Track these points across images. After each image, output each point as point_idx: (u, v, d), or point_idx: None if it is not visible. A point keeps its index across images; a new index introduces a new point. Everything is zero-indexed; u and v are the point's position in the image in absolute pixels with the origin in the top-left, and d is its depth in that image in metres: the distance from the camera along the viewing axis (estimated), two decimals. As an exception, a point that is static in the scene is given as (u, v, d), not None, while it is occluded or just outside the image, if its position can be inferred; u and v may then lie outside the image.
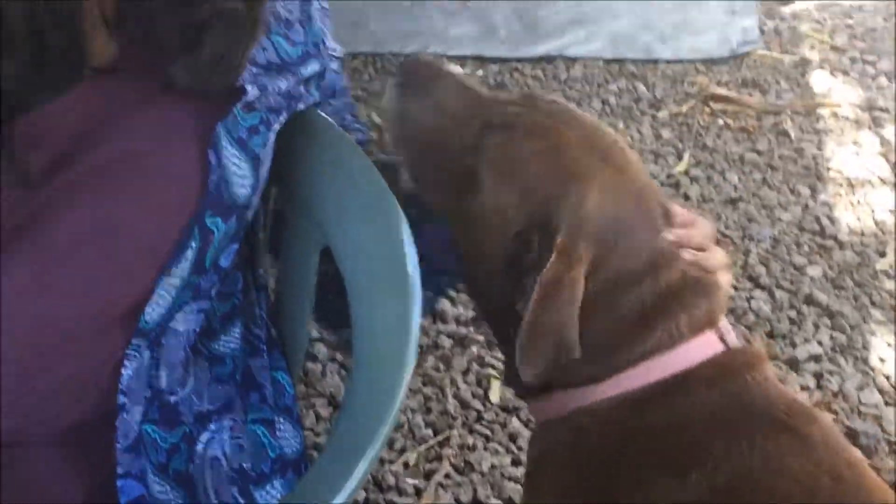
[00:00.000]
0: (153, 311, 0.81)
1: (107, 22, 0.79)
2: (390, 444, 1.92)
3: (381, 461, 1.88)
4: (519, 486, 1.80)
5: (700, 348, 0.99)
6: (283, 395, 0.99)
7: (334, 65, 1.03)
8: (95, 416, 0.85)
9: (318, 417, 1.95)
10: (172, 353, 0.86)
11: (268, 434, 0.95)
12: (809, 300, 2.23)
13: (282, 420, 0.97)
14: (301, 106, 0.93)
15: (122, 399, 0.82)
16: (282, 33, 0.92)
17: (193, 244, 0.81)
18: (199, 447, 0.90)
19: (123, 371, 0.82)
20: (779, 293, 2.24)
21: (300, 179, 1.01)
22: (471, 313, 2.22)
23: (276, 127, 0.88)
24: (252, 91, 0.84)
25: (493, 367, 2.11)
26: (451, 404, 2.01)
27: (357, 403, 0.89)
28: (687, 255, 0.97)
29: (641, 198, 1.01)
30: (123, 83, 0.81)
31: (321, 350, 2.14)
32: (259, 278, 1.02)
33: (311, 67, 0.95)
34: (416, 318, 0.90)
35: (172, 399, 0.88)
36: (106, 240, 0.78)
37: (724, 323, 1.03)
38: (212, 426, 0.91)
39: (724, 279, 1.01)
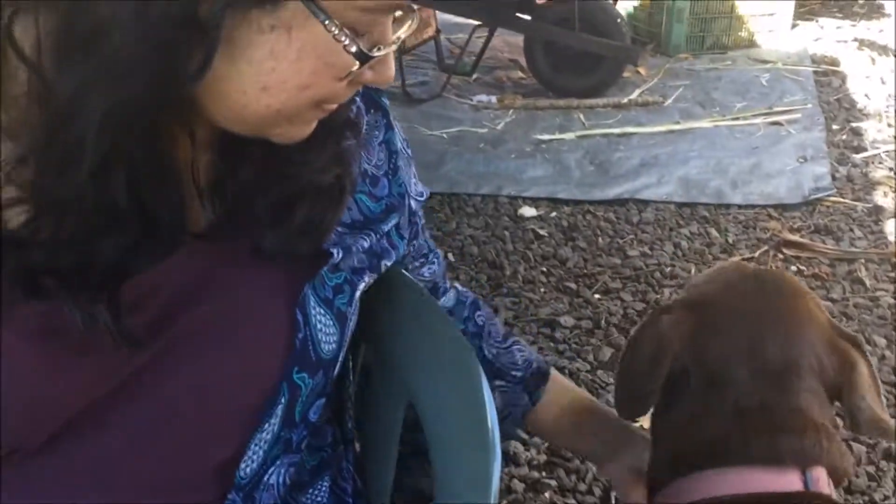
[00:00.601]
0: (247, 468, 0.85)
1: (200, 192, 0.84)
2: (461, 590, 1.91)
3: None
4: None
5: (762, 479, 1.02)
6: None
7: (414, 204, 1.07)
8: None
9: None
10: None
11: None
12: (888, 455, 2.19)
13: None
14: (386, 263, 0.96)
15: None
16: (366, 191, 0.97)
17: (282, 400, 0.85)
18: None
19: None
20: (856, 447, 2.20)
21: (384, 336, 1.06)
22: (543, 457, 2.22)
23: (362, 286, 0.92)
24: (337, 254, 0.88)
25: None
26: (524, 548, 2.00)
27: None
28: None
29: (780, 330, 1.08)
30: (216, 247, 0.85)
31: (394, 491, 2.16)
32: (347, 432, 1.05)
33: (392, 221, 0.99)
34: (497, 473, 0.92)
35: None
36: (202, 402, 0.82)
37: (820, 471, 1.04)
38: None
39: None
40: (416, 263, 1.12)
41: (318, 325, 0.86)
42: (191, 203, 0.83)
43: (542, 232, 3.29)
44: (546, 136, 4.17)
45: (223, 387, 0.83)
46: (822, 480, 1.04)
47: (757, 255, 3.09)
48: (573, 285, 2.95)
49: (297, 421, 0.88)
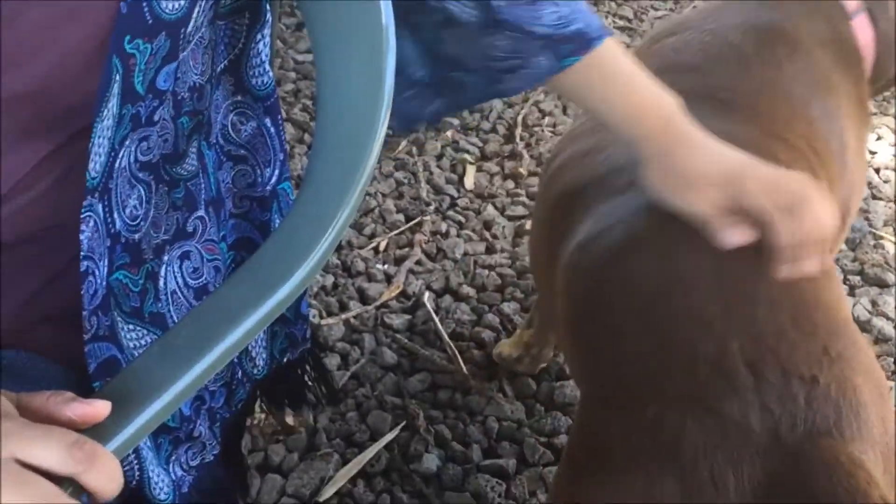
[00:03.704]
0: (96, 164, 0.71)
1: None
2: (360, 228, 1.85)
3: (350, 246, 1.81)
4: (492, 274, 1.75)
5: None
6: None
7: None
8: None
9: (284, 200, 1.87)
10: (122, 192, 0.76)
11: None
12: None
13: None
14: None
15: (84, 264, 0.74)
16: None
17: (116, 77, 0.69)
18: (161, 283, 0.82)
19: (81, 235, 0.72)
20: None
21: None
22: (446, 96, 2.11)
23: None
24: None
25: (467, 151, 2.02)
26: (424, 189, 1.93)
27: (324, 163, 0.79)
28: None
29: None
30: None
31: (289, 130, 2.04)
32: (252, 87, 0.87)
33: None
34: (390, 75, 0.79)
35: (136, 237, 0.79)
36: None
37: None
38: (165, 258, 0.83)
39: None
40: None
41: None
42: None
43: None
44: None
45: (35, 65, 0.66)
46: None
47: None
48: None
49: (140, 93, 0.71)
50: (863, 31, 1.24)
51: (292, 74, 2.24)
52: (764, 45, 1.17)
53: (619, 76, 0.96)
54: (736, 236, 0.89)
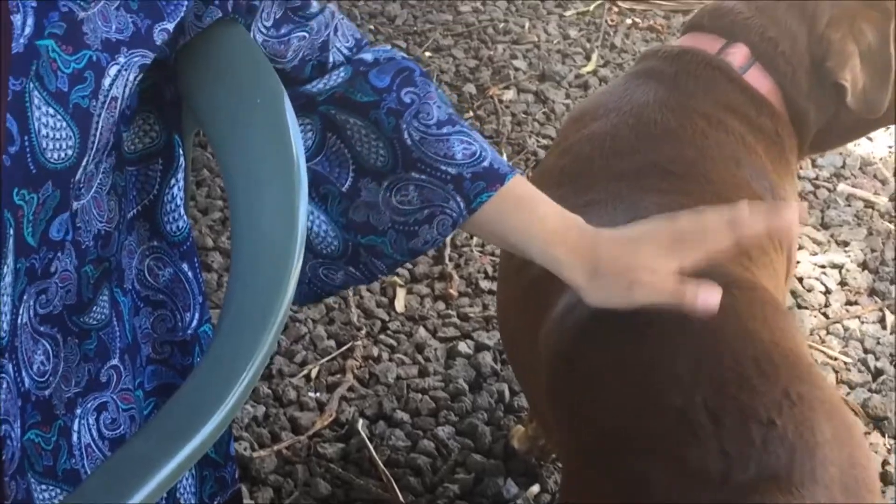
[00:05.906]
0: (3, 322, 0.70)
1: None
2: (290, 356, 1.83)
3: (281, 374, 1.79)
4: (425, 397, 1.73)
5: (693, 38, 1.36)
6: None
7: None
8: None
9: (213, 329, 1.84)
10: (27, 349, 0.74)
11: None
12: None
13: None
14: (166, 28, 0.74)
15: (2, 429, 0.71)
16: None
17: (10, 231, 0.68)
18: (74, 438, 0.80)
19: None
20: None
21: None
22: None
23: (114, 71, 0.71)
24: (25, 19, 0.66)
25: (397, 274, 2.02)
26: (355, 314, 1.92)
27: (238, 307, 0.79)
28: None
29: None
30: None
31: (217, 259, 2.03)
32: (167, 234, 0.87)
33: None
34: (303, 209, 0.80)
35: (46, 393, 0.77)
36: None
37: (740, 48, 1.30)
38: (78, 411, 0.80)
39: None
40: (273, 27, 0.87)
41: (43, 130, 0.68)
42: None
43: (368, -12, 3.08)
44: None
45: None
46: (738, 55, 1.27)
47: (592, 7, 2.97)
48: (403, 43, 2.79)
49: (32, 245, 0.70)
50: (760, 83, 1.27)
51: (220, 203, 2.23)
52: (684, 119, 1.21)
53: (532, 203, 0.95)
54: (711, 295, 0.88)
